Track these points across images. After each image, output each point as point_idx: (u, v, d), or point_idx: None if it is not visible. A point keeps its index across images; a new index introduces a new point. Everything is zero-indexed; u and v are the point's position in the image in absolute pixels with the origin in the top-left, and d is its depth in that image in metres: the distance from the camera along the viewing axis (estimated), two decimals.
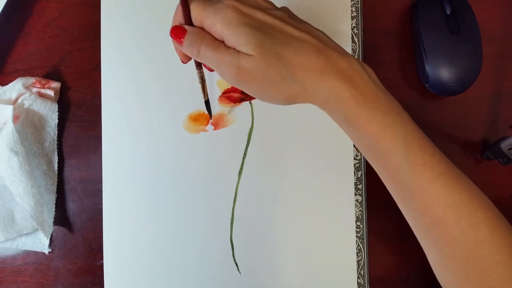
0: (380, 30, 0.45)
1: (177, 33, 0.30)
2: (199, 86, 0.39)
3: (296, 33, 0.29)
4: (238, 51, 0.28)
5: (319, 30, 0.31)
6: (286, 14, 0.30)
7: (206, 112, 0.43)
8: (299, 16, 0.32)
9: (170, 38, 0.32)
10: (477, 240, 0.29)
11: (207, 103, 0.42)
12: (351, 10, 0.45)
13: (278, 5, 0.32)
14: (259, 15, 0.29)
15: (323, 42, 0.29)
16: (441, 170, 0.29)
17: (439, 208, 0.29)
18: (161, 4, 0.44)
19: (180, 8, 0.30)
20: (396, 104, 0.30)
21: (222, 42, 0.29)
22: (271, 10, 0.30)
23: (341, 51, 0.29)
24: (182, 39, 0.30)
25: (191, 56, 0.31)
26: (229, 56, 0.28)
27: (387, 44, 0.45)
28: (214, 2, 0.29)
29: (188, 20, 0.30)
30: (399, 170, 0.29)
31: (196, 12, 0.29)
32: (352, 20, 0.44)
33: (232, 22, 0.28)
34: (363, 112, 0.28)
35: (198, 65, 0.36)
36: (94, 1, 0.44)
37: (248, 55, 0.28)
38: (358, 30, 0.44)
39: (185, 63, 0.35)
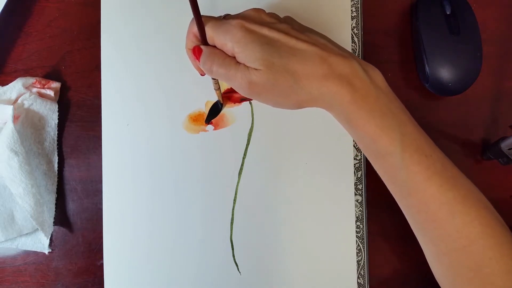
0: (380, 30, 0.45)
1: (195, 52, 0.34)
2: (215, 92, 0.41)
3: (300, 44, 0.31)
4: (248, 67, 0.31)
5: (323, 36, 0.33)
6: (290, 26, 0.33)
7: (207, 114, 0.43)
8: (300, 18, 0.33)
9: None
10: (470, 236, 0.30)
11: (216, 106, 0.43)
12: (351, 10, 0.45)
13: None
14: (265, 31, 0.31)
15: (326, 49, 0.31)
16: (436, 170, 0.30)
17: (433, 205, 0.30)
18: (161, 4, 0.44)
19: (192, 28, 0.33)
20: (396, 105, 0.32)
21: (234, 57, 0.32)
22: (276, 24, 0.32)
23: (344, 56, 0.31)
24: (199, 58, 0.33)
25: (207, 74, 0.34)
26: (240, 72, 0.31)
27: (387, 44, 0.45)
28: (223, 22, 0.32)
29: (204, 40, 0.33)
30: (396, 169, 0.31)
31: (208, 33, 0.32)
32: (352, 20, 0.44)
33: (241, 40, 0.31)
34: (362, 113, 0.30)
35: None
36: (94, 1, 0.44)
37: (257, 69, 0.30)
38: (358, 30, 0.44)
39: (203, 75, 0.39)
